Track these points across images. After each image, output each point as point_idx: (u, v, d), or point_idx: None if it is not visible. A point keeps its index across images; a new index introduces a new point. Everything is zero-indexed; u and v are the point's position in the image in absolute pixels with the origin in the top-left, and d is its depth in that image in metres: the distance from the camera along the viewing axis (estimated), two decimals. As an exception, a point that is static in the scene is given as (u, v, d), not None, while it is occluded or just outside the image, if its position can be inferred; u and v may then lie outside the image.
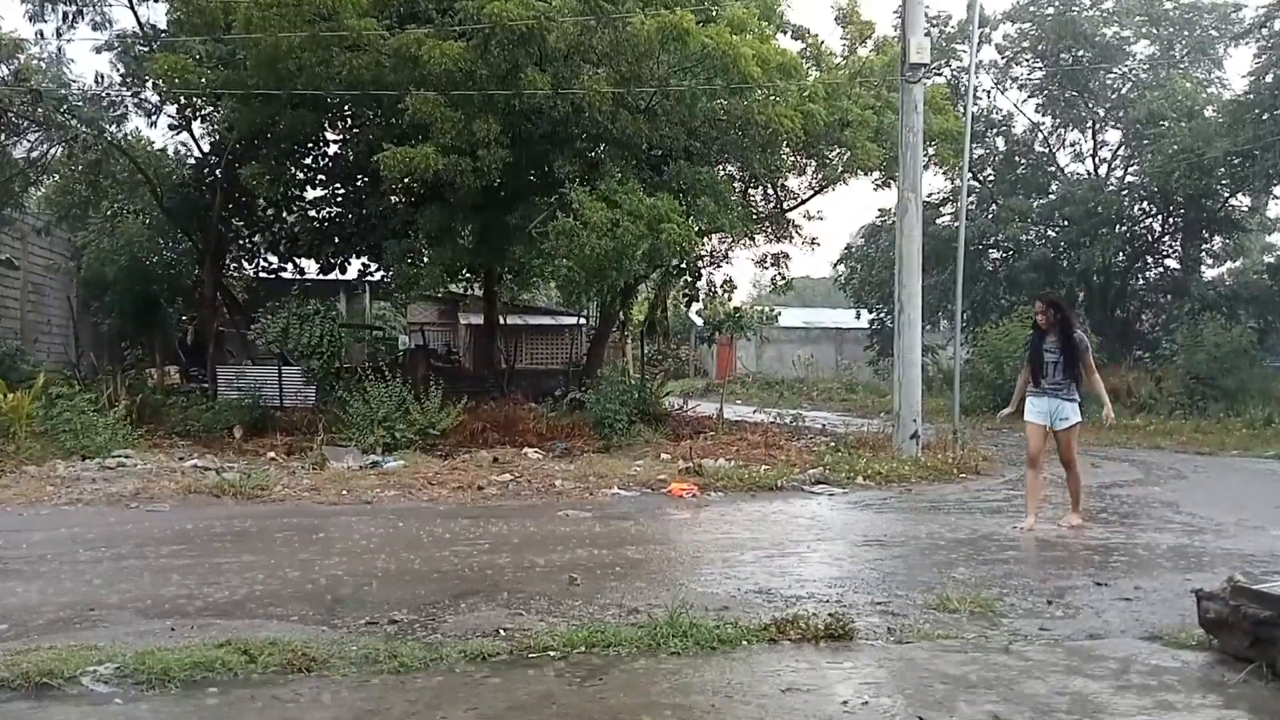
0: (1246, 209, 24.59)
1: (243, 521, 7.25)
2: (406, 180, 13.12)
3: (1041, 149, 27.42)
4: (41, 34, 15.30)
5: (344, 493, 8.65)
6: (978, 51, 21.42)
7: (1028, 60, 26.08)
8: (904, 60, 11.43)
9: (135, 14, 15.62)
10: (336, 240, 17.01)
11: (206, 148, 16.87)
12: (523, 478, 9.64)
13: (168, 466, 9.79)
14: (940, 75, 23.78)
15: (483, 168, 12.17)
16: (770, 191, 17.68)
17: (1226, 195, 23.26)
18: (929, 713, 3.46)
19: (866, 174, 16.17)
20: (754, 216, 16.71)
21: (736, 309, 19.07)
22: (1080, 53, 25.04)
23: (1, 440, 10.29)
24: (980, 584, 5.43)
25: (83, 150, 15.63)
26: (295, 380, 15.34)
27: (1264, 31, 20.91)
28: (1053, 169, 27.24)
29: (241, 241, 18.32)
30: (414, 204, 14.94)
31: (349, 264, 17.89)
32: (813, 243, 18.41)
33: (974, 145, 20.11)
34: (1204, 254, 25.94)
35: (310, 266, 18.20)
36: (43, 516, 7.43)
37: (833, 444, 12.07)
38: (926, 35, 11.91)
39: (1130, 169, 25.97)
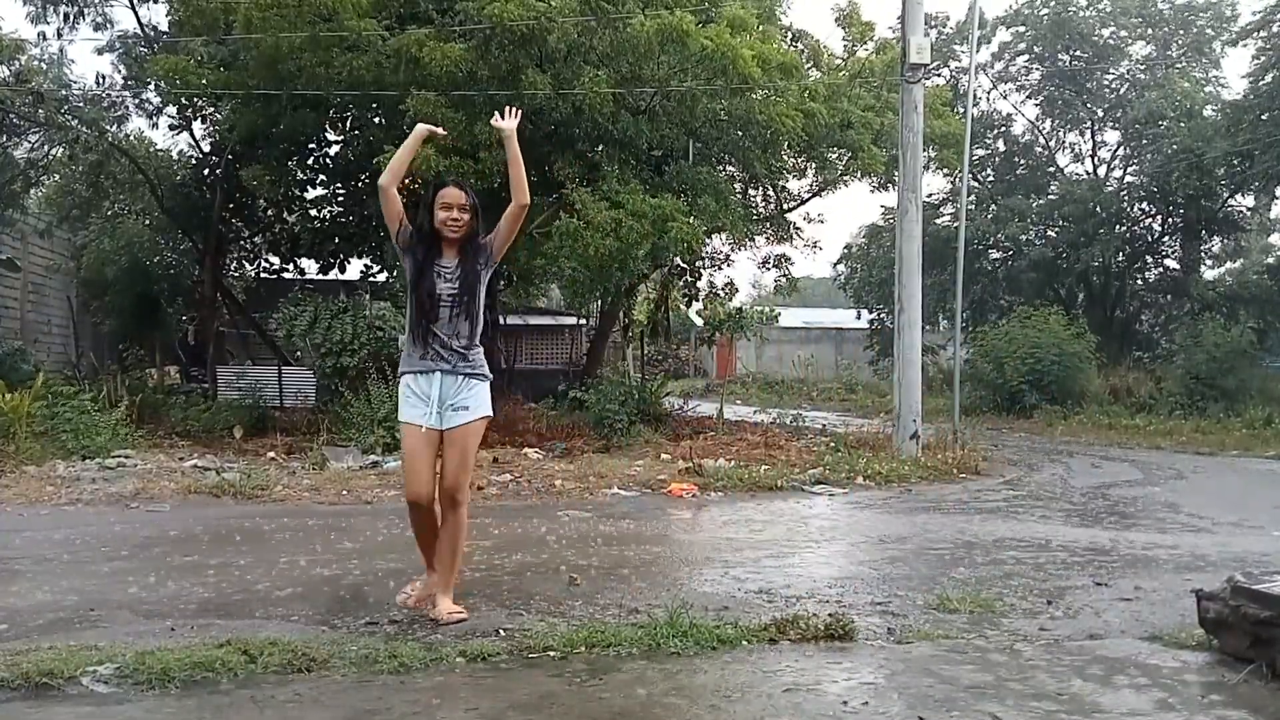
0: (1246, 209, 24.61)
1: (243, 521, 7.25)
2: (407, 181, 13.12)
3: (1041, 149, 27.45)
4: (43, 35, 15.40)
5: (344, 493, 8.65)
6: (976, 53, 21.45)
7: (1025, 62, 26.14)
8: (904, 61, 11.45)
9: (136, 15, 15.71)
10: (337, 240, 17.04)
11: (207, 148, 16.92)
12: (523, 478, 9.64)
13: (168, 466, 9.78)
14: (939, 76, 23.83)
15: (485, 169, 12.16)
16: (770, 193, 17.68)
17: (1226, 195, 23.27)
18: (929, 713, 3.46)
19: (869, 176, 16.18)
20: (755, 217, 16.72)
21: (737, 309, 19.07)
22: (1077, 53, 25.08)
23: (1, 440, 10.29)
24: (980, 584, 5.43)
25: (84, 151, 15.67)
26: (295, 380, 15.35)
27: (1263, 33, 20.93)
28: (1052, 169, 27.28)
29: (242, 242, 18.35)
30: (415, 205, 14.92)
31: (349, 264, 17.91)
32: (815, 246, 18.45)
33: (974, 146, 20.13)
34: (1204, 254, 25.97)
35: (311, 267, 18.23)
36: (43, 516, 7.42)
37: (833, 444, 12.06)
38: (926, 35, 11.92)
39: (1129, 169, 26.02)
